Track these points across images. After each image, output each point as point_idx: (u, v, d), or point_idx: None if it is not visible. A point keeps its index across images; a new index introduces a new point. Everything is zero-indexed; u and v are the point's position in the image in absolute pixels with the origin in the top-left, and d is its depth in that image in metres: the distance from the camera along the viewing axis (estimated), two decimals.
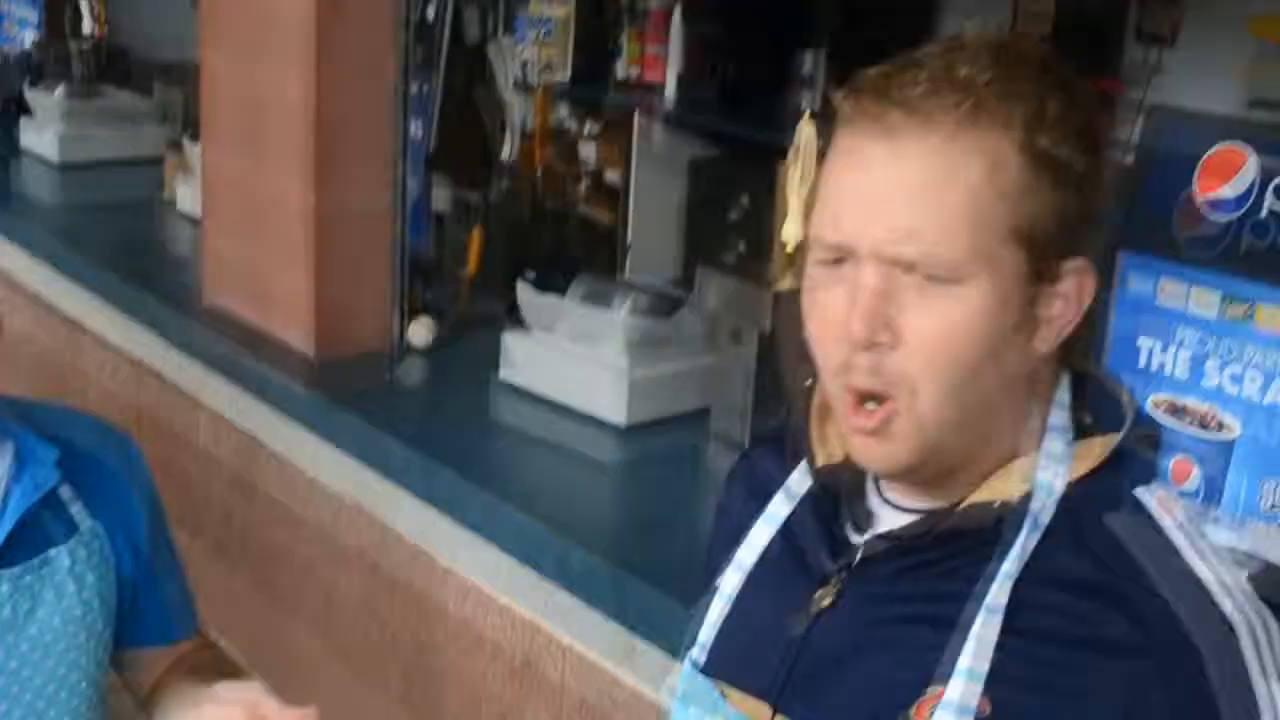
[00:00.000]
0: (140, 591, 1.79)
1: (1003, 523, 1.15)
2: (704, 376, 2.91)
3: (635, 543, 2.55)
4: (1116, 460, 1.17)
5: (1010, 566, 1.12)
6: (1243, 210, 2.28)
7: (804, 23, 5.58)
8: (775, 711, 1.22)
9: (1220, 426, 2.29)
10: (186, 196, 4.29)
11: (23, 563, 1.63)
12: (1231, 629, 1.10)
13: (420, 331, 3.29)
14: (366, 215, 3.26)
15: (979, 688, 1.11)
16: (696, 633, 1.32)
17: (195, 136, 4.30)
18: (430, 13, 3.48)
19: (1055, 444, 1.17)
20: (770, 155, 3.06)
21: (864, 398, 1.15)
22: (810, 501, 1.28)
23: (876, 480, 1.26)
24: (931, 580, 1.17)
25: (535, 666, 2.64)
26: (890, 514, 1.24)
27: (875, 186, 1.12)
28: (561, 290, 3.04)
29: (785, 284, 2.81)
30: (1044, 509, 1.15)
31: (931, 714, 1.12)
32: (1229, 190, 2.30)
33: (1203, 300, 2.31)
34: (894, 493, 1.24)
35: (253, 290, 3.42)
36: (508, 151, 3.64)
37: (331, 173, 3.22)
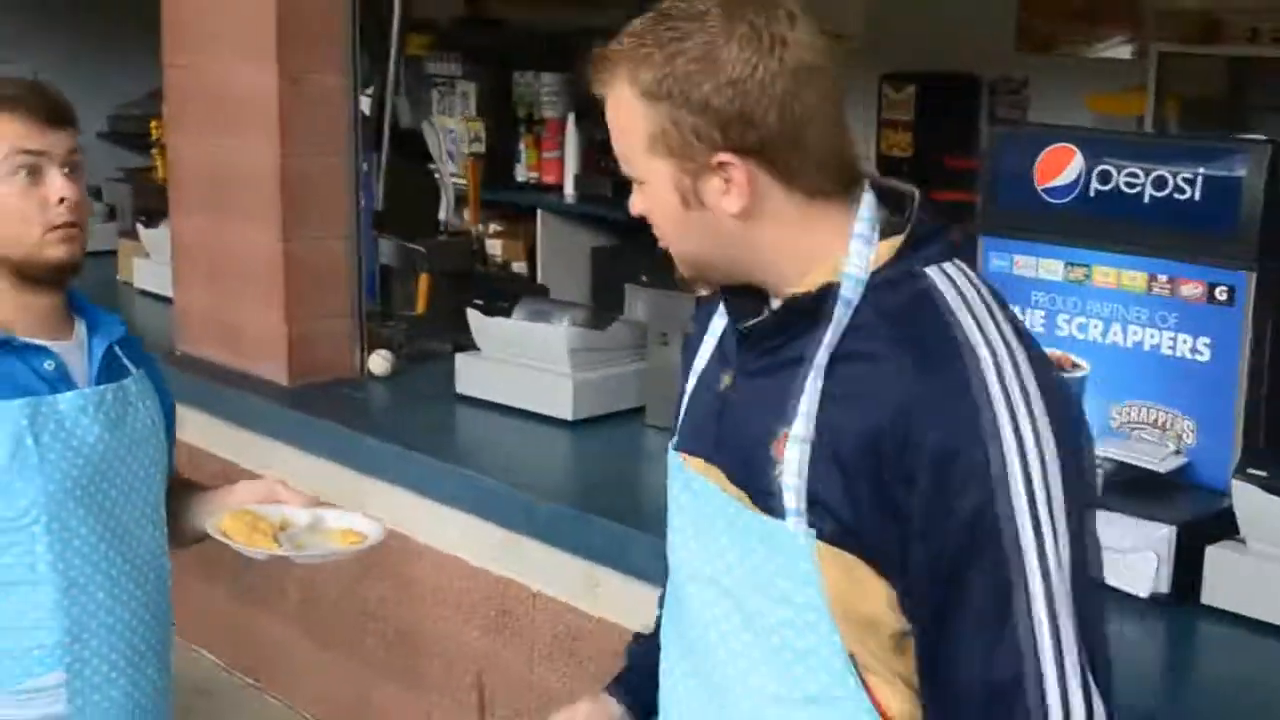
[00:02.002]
0: (168, 431, 2.36)
1: (823, 306, 1.54)
2: (638, 378, 3.39)
3: (590, 496, 3.01)
4: (910, 247, 1.56)
5: (829, 336, 1.53)
6: (1073, 195, 2.82)
7: None
8: (709, 463, 1.66)
9: (1074, 366, 2.82)
10: (144, 276, 4.70)
11: (113, 384, 2.19)
12: (975, 355, 1.48)
13: (380, 362, 3.74)
14: (327, 263, 3.74)
15: (812, 422, 1.52)
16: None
17: (149, 223, 4.75)
18: (365, 107, 3.99)
19: (857, 244, 1.55)
20: None
21: None
22: (729, 321, 1.74)
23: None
24: (780, 352, 1.59)
25: (509, 615, 3.07)
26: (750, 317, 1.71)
27: None
28: (506, 313, 3.51)
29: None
30: (853, 290, 1.54)
31: (785, 444, 1.54)
32: (1061, 180, 2.84)
33: (1049, 268, 2.85)
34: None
35: (224, 334, 3.85)
36: (444, 212, 4.15)
37: (297, 226, 3.69)
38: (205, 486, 2.42)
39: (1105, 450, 2.64)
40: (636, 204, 1.61)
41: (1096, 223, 2.79)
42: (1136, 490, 2.56)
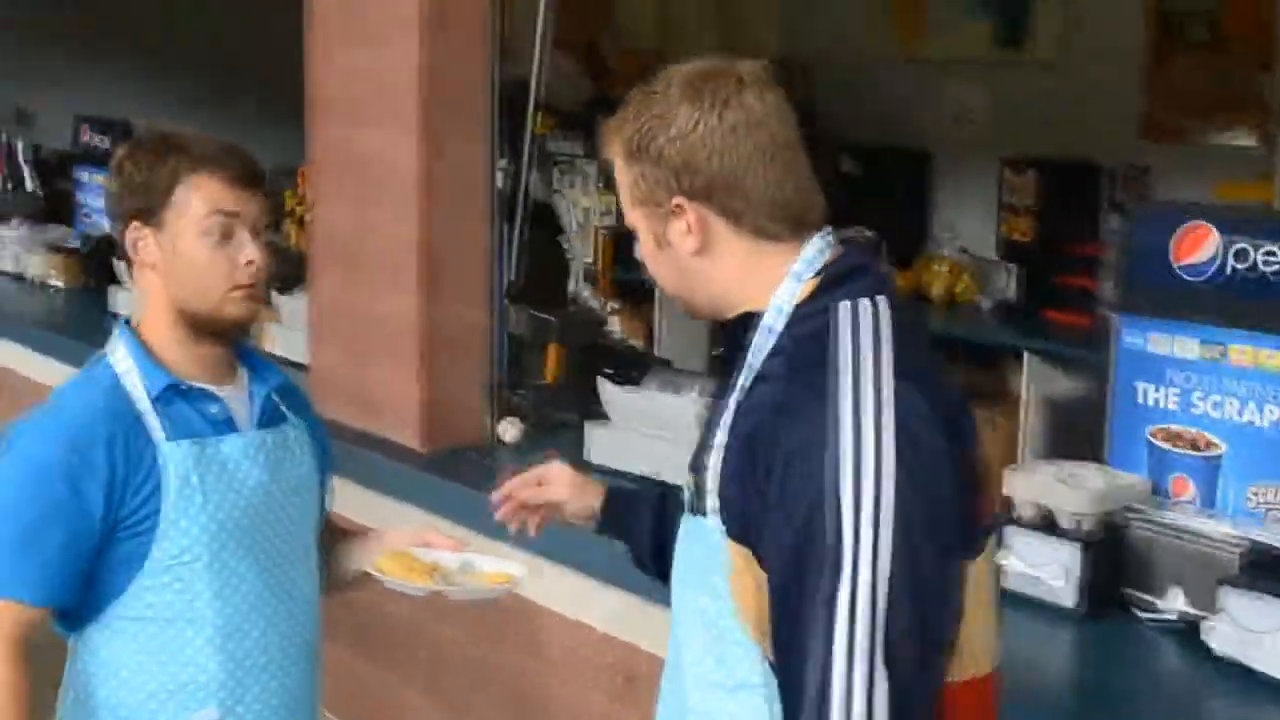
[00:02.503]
0: (324, 474, 2.47)
1: (749, 333, 1.77)
2: None
3: None
4: (829, 283, 1.77)
5: (749, 359, 1.76)
6: (1210, 273, 2.84)
7: None
8: (690, 474, 1.85)
9: (1209, 446, 2.82)
10: (277, 342, 4.82)
11: (273, 429, 2.30)
12: (839, 374, 1.68)
13: (510, 430, 3.81)
14: (463, 331, 3.82)
15: (726, 433, 1.74)
16: None
17: (283, 289, 4.87)
18: (500, 180, 4.07)
19: (788, 281, 1.78)
20: None
21: None
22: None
23: None
24: (730, 375, 1.80)
25: (634, 681, 3.09)
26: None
27: None
28: (636, 384, 3.57)
29: None
30: (774, 319, 1.76)
31: (711, 454, 1.75)
32: (1197, 258, 2.86)
33: (1185, 346, 2.87)
34: None
35: (359, 398, 3.94)
36: (573, 284, 4.23)
37: (435, 294, 3.78)
38: (357, 533, 2.50)
39: (1242, 531, 2.64)
40: (636, 248, 1.89)
41: (1233, 301, 2.81)
42: (1273, 571, 2.55)
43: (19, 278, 6.50)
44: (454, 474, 3.61)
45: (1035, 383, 4.95)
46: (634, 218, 1.86)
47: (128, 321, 2.26)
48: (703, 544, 1.77)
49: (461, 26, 3.74)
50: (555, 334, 4.00)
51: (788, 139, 1.82)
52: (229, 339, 2.25)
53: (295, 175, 5.41)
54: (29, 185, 7.05)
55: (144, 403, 2.17)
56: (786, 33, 6.66)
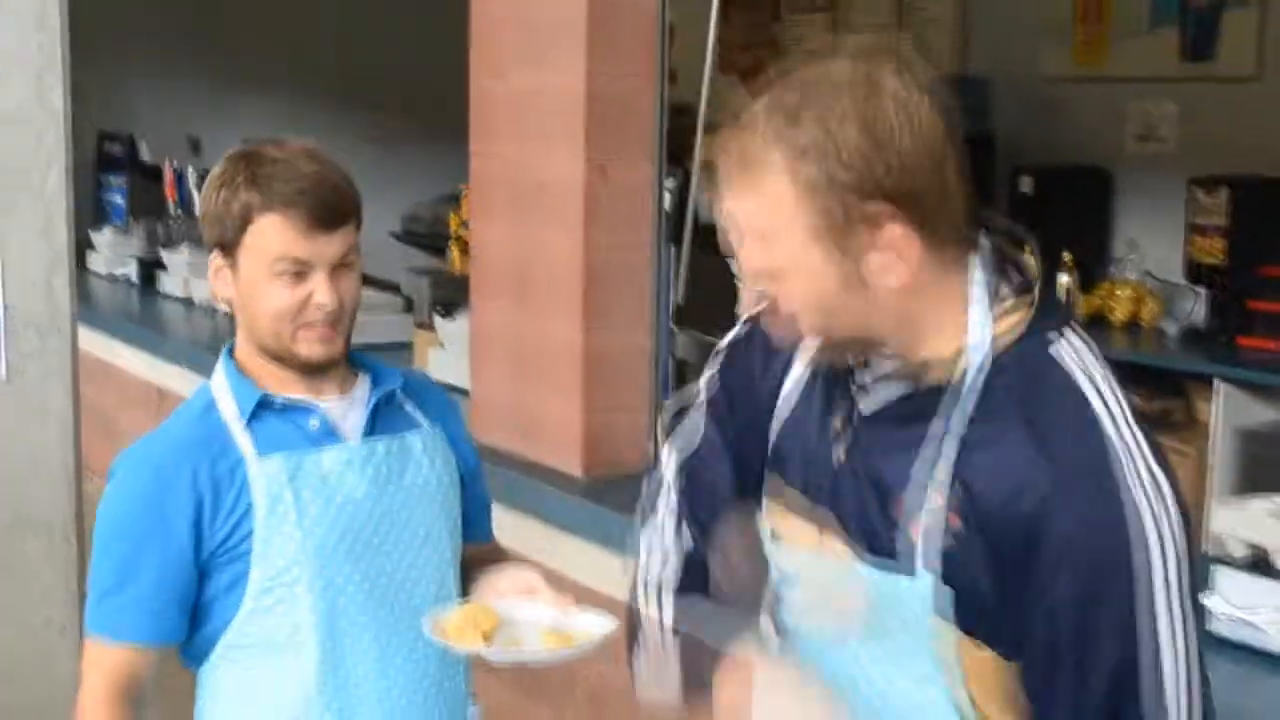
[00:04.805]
0: (469, 490, 2.32)
1: (950, 382, 1.56)
2: None
3: None
4: (1036, 318, 1.56)
5: (962, 407, 1.54)
6: None
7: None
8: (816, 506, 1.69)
9: None
10: (439, 366, 4.76)
11: (387, 436, 2.17)
12: (1107, 438, 1.50)
13: None
14: (627, 355, 3.71)
15: (945, 489, 1.54)
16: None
17: (445, 314, 4.82)
18: (666, 201, 3.96)
19: (975, 311, 1.57)
20: None
21: None
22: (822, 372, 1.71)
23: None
24: (905, 412, 1.60)
25: None
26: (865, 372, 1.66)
27: None
28: None
29: None
30: (978, 366, 1.55)
31: (908, 505, 1.57)
32: None
33: None
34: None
35: (519, 424, 3.85)
36: (741, 307, 4.09)
37: (597, 318, 3.67)
38: (497, 558, 2.35)
39: None
40: (783, 300, 1.58)
41: None
42: None
43: (188, 302, 6.58)
44: (615, 502, 3.49)
45: (1227, 411, 4.70)
46: (802, 259, 1.53)
47: (231, 348, 2.18)
48: (908, 607, 1.59)
49: (628, 48, 3.64)
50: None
51: (957, 140, 1.58)
52: (312, 371, 2.14)
53: (459, 198, 5.37)
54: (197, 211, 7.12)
55: (236, 422, 2.09)
56: (963, 51, 6.49)
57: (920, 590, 1.56)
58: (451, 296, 4.92)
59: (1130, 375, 5.00)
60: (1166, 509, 1.49)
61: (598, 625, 2.10)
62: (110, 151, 7.94)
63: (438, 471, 2.21)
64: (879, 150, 1.50)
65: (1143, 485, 1.49)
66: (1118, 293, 5.58)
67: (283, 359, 2.11)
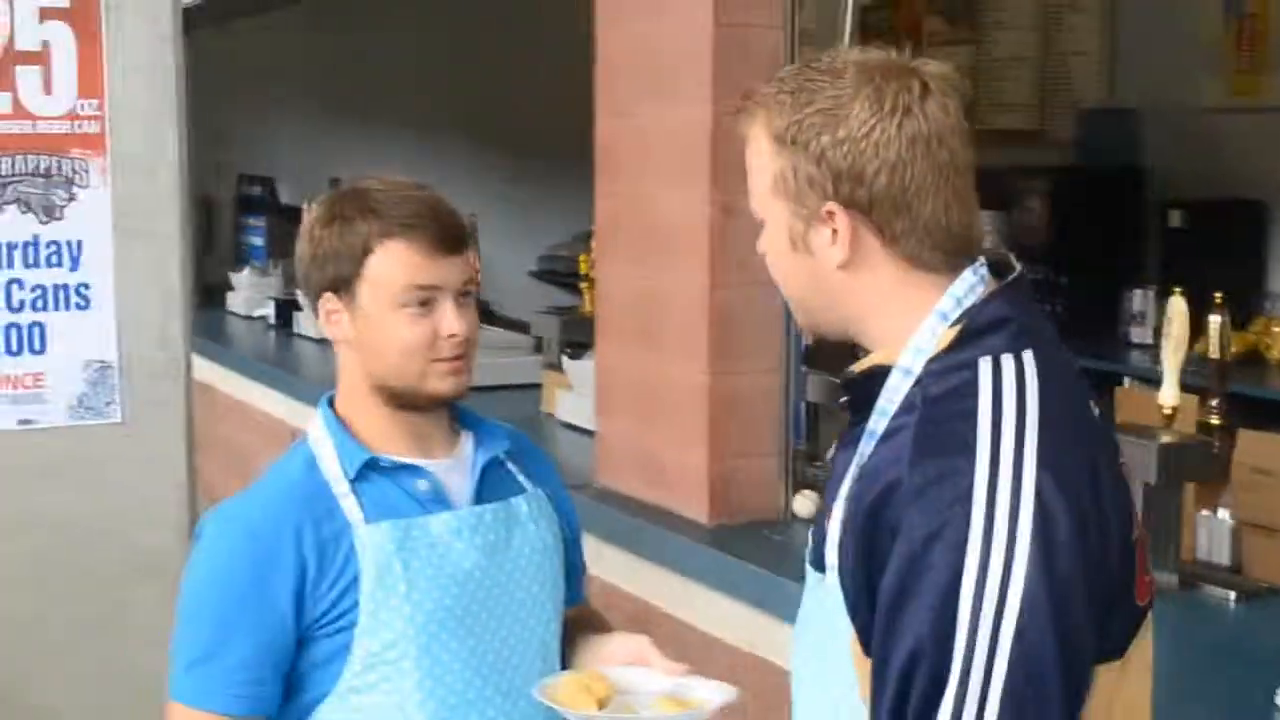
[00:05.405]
0: (570, 552, 2.20)
1: (876, 386, 1.57)
2: None
3: None
4: (970, 335, 1.55)
5: (872, 422, 1.56)
6: None
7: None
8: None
9: None
10: (567, 408, 4.69)
11: (496, 503, 2.06)
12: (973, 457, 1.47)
13: (805, 504, 3.55)
14: (754, 398, 3.59)
15: (847, 500, 1.56)
16: None
17: (574, 355, 4.75)
18: None
19: (930, 322, 1.57)
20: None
21: None
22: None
23: None
24: (853, 425, 1.62)
25: None
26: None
27: None
28: None
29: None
30: (902, 376, 1.55)
31: (830, 517, 1.59)
32: None
33: None
34: None
35: (645, 467, 3.74)
36: None
37: (724, 359, 3.55)
38: (602, 628, 2.24)
39: None
40: (760, 241, 1.68)
41: None
42: None
43: (322, 342, 6.59)
44: (743, 550, 3.36)
45: None
46: (769, 209, 1.64)
47: (331, 399, 2.07)
48: (823, 605, 1.62)
49: (754, 83, 3.53)
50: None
51: (967, 161, 1.60)
52: (435, 411, 2.04)
53: (590, 238, 5.31)
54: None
55: (341, 484, 1.97)
56: (1111, 80, 6.30)
57: (830, 602, 1.59)
58: (581, 337, 4.85)
59: None
60: (1010, 550, 1.43)
61: (716, 692, 1.98)
62: (250, 193, 8.03)
63: (544, 538, 2.11)
64: (833, 127, 1.57)
65: (990, 513, 1.44)
66: (1275, 329, 5.38)
67: (406, 402, 2.00)
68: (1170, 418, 3.05)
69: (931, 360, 1.55)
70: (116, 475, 3.02)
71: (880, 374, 1.58)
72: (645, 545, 3.62)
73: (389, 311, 1.95)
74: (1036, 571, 1.42)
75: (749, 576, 3.28)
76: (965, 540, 1.43)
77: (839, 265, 1.59)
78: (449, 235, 1.97)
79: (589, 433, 4.27)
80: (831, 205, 1.57)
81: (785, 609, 3.13)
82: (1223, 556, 3.12)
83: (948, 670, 1.42)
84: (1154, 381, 3.36)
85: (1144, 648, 1.59)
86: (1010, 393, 1.50)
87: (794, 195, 1.60)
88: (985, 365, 1.52)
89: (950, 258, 1.59)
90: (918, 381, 1.54)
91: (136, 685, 2.75)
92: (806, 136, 1.58)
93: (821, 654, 1.64)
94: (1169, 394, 3.08)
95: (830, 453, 1.78)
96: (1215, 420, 3.14)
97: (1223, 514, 3.14)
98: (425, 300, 1.95)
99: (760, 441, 3.58)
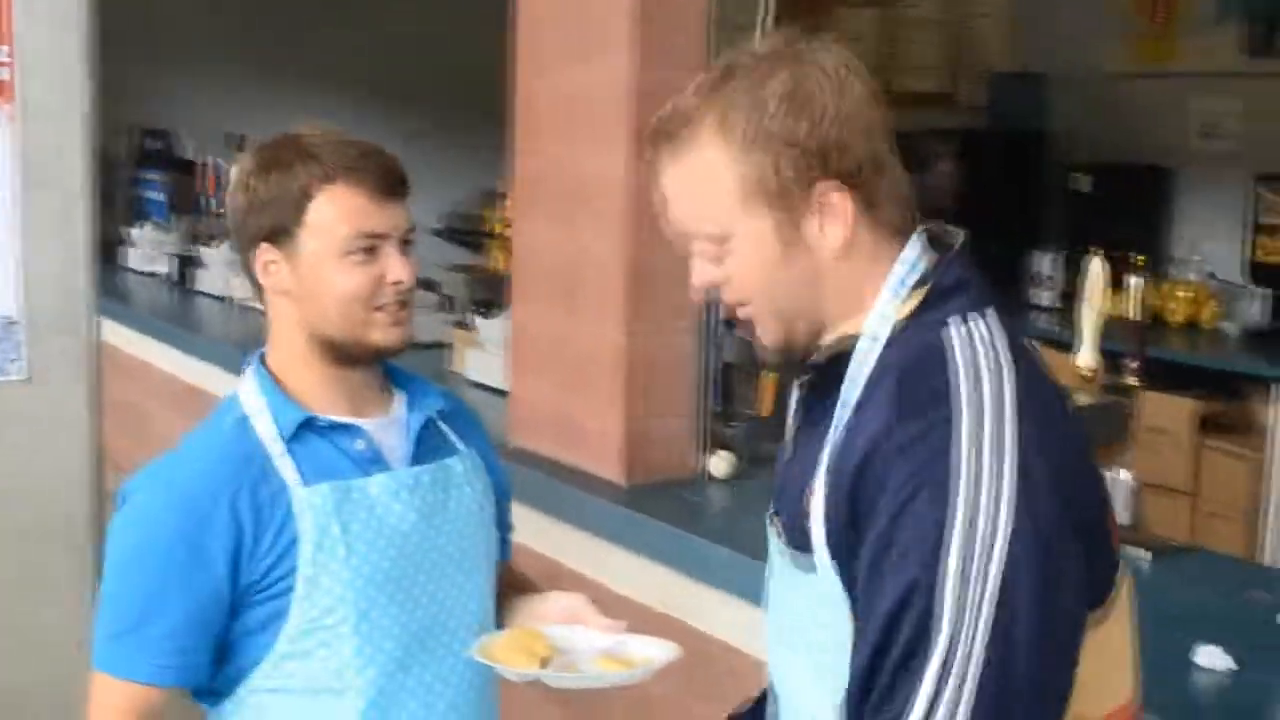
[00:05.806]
0: (500, 512, 2.21)
1: (846, 359, 1.56)
2: None
3: None
4: (933, 300, 1.56)
5: (845, 393, 1.54)
6: None
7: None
8: (774, 516, 1.72)
9: None
10: (476, 367, 4.64)
11: (432, 464, 2.03)
12: (956, 411, 1.46)
13: (720, 464, 3.55)
14: (671, 359, 3.57)
15: (829, 473, 1.54)
16: None
17: (485, 313, 4.71)
18: None
19: (887, 292, 1.57)
20: None
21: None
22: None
23: None
24: (818, 402, 1.61)
25: None
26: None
27: None
28: None
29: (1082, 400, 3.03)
30: (870, 346, 1.54)
31: (813, 493, 1.56)
32: None
33: None
34: None
35: (559, 428, 3.72)
36: None
37: (642, 320, 3.53)
38: (529, 587, 2.23)
39: None
40: (706, 274, 1.62)
41: None
42: None
43: (225, 300, 6.47)
44: (658, 510, 3.35)
45: None
46: (739, 224, 1.57)
47: (262, 356, 2.01)
48: (810, 593, 1.59)
49: (677, 44, 3.51)
50: (771, 363, 3.73)
51: (890, 123, 1.60)
52: (373, 364, 2.00)
53: (497, 197, 5.26)
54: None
55: (276, 444, 1.92)
56: (1018, 47, 6.35)
57: (824, 586, 1.55)
58: (491, 296, 4.80)
59: (1188, 377, 4.91)
60: (997, 499, 1.43)
61: (657, 650, 1.99)
62: (150, 148, 7.86)
63: (478, 499, 2.09)
64: (804, 107, 1.54)
65: (976, 464, 1.43)
66: (1177, 293, 5.46)
67: (346, 354, 1.95)
68: (1089, 380, 3.08)
69: (899, 324, 1.56)
70: (21, 433, 2.94)
71: (848, 349, 1.57)
72: (560, 506, 3.59)
73: (332, 259, 1.90)
74: (1023, 515, 1.43)
75: (663, 535, 3.28)
76: (953, 489, 1.44)
77: (838, 248, 1.56)
78: (392, 179, 1.93)
79: (499, 392, 4.23)
80: (827, 185, 1.55)
81: (698, 569, 3.14)
82: (1124, 517, 3.16)
83: (937, 617, 1.42)
84: (1060, 344, 3.39)
85: (1124, 594, 1.59)
86: (984, 349, 1.52)
87: (777, 192, 1.55)
88: (956, 323, 1.53)
89: (906, 222, 1.61)
90: (888, 344, 1.55)
91: (42, 639, 2.69)
92: (780, 128, 1.54)
93: (812, 645, 1.61)
94: (1088, 356, 3.10)
95: (790, 432, 1.72)
96: (1134, 382, 3.17)
97: (1124, 474, 3.18)
98: (370, 248, 1.90)
99: (676, 402, 3.57)
